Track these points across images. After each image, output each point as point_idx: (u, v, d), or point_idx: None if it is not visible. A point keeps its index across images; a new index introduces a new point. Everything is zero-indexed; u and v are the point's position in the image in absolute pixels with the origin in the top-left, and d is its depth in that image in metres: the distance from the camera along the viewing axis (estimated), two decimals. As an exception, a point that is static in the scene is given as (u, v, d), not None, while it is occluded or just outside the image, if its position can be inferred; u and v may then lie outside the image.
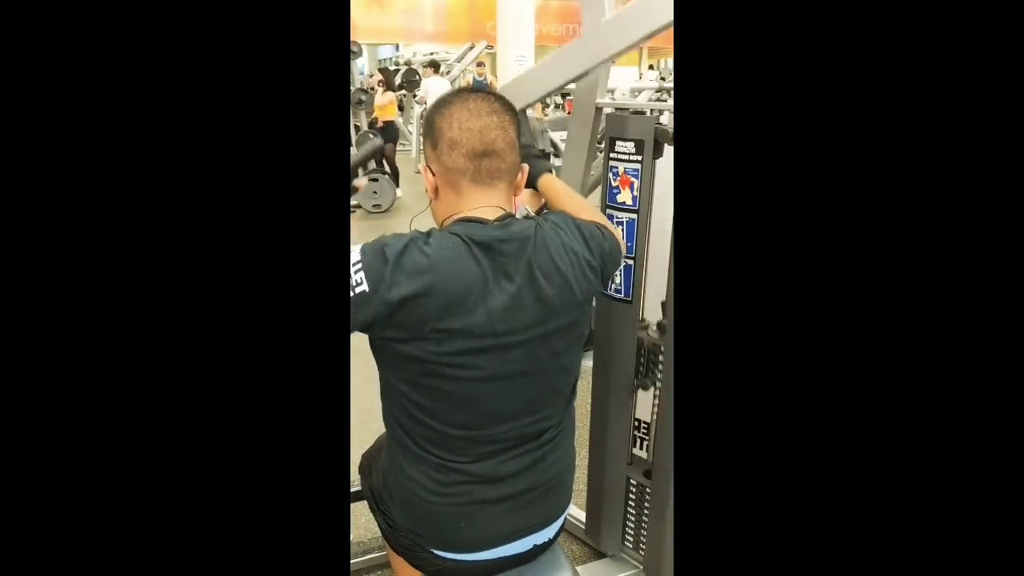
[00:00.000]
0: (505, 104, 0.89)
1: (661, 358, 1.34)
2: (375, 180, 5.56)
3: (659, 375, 1.36)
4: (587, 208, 1.00)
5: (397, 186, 5.92)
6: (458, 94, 0.89)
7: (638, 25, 1.13)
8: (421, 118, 7.31)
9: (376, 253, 0.79)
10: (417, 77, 7.39)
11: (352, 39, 5.89)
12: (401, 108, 9.33)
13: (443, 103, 0.88)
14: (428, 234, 0.82)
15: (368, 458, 1.12)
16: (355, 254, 0.79)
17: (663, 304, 1.33)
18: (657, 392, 1.38)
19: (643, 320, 1.38)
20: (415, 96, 7.21)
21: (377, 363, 0.87)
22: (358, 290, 0.77)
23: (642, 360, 1.39)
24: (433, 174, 0.87)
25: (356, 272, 0.78)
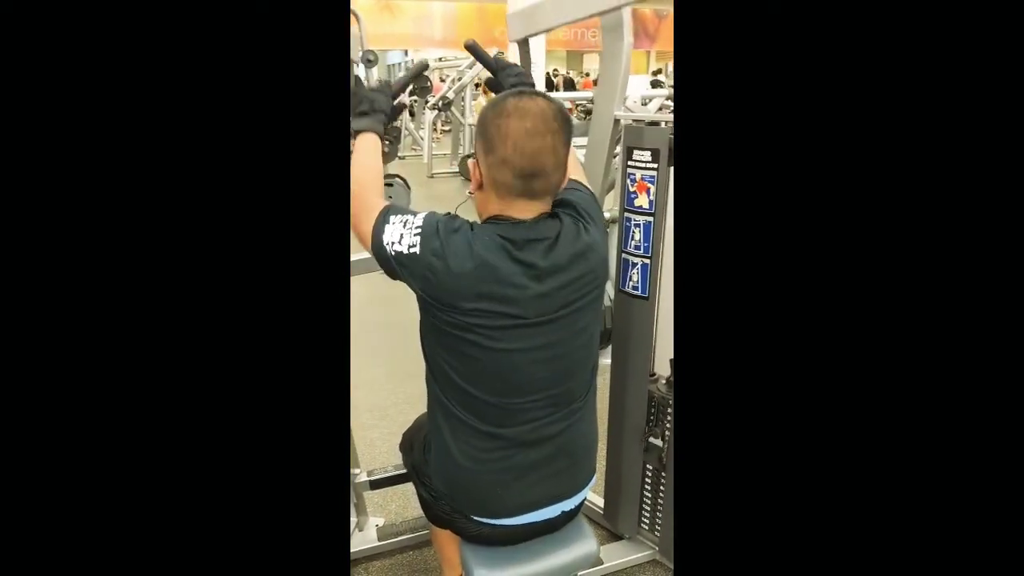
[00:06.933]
0: (561, 118, 0.90)
1: (670, 411, 1.47)
2: (390, 185, 5.62)
3: (668, 427, 1.48)
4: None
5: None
6: (519, 102, 0.89)
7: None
8: (433, 124, 7.38)
9: (431, 226, 0.90)
10: (428, 83, 7.46)
11: (367, 47, 5.96)
12: (412, 114, 9.39)
13: (503, 112, 0.89)
14: (472, 226, 0.92)
15: (409, 436, 1.22)
16: (418, 220, 0.91)
17: (671, 361, 1.45)
18: (665, 444, 1.49)
19: (653, 374, 1.51)
20: (427, 102, 7.29)
21: (421, 329, 0.98)
22: (410, 251, 0.88)
23: (652, 412, 1.51)
24: (480, 173, 0.94)
25: (415, 235, 0.89)
